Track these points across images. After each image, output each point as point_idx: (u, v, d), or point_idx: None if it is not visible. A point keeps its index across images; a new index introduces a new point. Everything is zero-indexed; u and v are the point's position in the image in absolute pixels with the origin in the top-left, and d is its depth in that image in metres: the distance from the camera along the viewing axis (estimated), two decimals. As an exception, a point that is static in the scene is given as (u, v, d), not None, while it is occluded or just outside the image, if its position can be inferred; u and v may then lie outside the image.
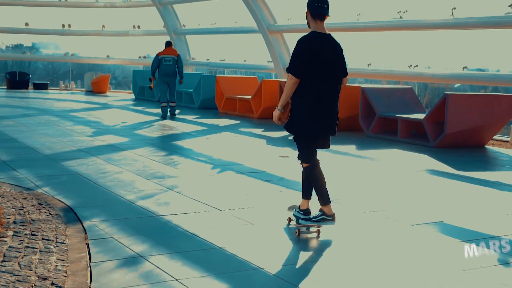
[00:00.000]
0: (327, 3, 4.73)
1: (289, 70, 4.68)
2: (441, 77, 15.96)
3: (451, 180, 7.38)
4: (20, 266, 3.65)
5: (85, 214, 5.13)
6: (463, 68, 15.09)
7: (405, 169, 8.04)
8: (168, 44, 14.52)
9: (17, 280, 3.43)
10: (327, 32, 4.78)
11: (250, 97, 14.93)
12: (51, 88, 26.84)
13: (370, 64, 17.82)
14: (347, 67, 4.91)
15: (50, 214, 5.02)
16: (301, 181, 4.98)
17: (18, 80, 25.41)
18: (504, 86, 15.36)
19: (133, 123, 12.98)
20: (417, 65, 16.24)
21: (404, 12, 15.94)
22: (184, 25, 24.73)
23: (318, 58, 4.63)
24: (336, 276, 3.89)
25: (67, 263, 3.89)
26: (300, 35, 4.78)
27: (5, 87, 25.62)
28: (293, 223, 5.02)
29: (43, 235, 4.38)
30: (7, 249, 3.93)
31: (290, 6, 31.10)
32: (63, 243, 4.29)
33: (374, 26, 17.15)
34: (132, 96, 22.45)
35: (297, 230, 4.82)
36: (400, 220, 5.28)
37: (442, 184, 7.15)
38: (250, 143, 10.52)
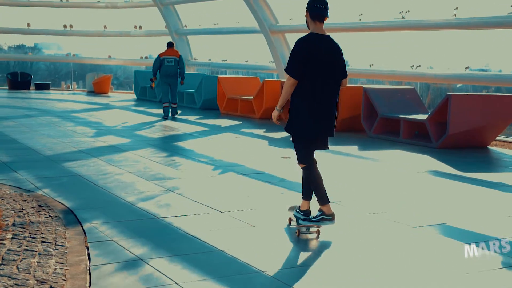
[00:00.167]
0: (326, 4, 4.73)
1: (287, 70, 4.67)
2: (443, 77, 15.89)
3: (454, 181, 7.33)
4: (18, 270, 3.62)
5: (85, 216, 5.10)
6: (466, 68, 15.02)
7: (407, 170, 8.00)
8: (170, 45, 14.51)
9: (15, 284, 3.39)
10: (326, 33, 4.77)
11: (252, 97, 14.89)
12: (52, 88, 26.80)
13: (372, 65, 17.77)
14: (346, 68, 4.89)
15: (49, 216, 4.99)
16: (301, 182, 4.96)
17: (20, 80, 25.37)
18: (507, 86, 15.29)
19: (134, 124, 12.95)
20: (419, 66, 16.19)
21: (406, 12, 15.88)
22: (185, 26, 24.69)
23: (316, 59, 4.62)
24: (335, 277, 3.86)
25: (66, 266, 3.85)
26: (302, 35, 4.77)
27: (7, 87, 25.61)
28: (294, 223, 5.00)
29: (43, 237, 4.35)
30: (5, 252, 3.90)
31: (292, 6, 31.06)
32: (62, 245, 4.25)
33: (376, 26, 17.09)
34: (134, 96, 22.43)
35: (297, 231, 4.81)
36: (402, 222, 5.24)
37: (445, 185, 7.11)
38: (252, 144, 10.49)
